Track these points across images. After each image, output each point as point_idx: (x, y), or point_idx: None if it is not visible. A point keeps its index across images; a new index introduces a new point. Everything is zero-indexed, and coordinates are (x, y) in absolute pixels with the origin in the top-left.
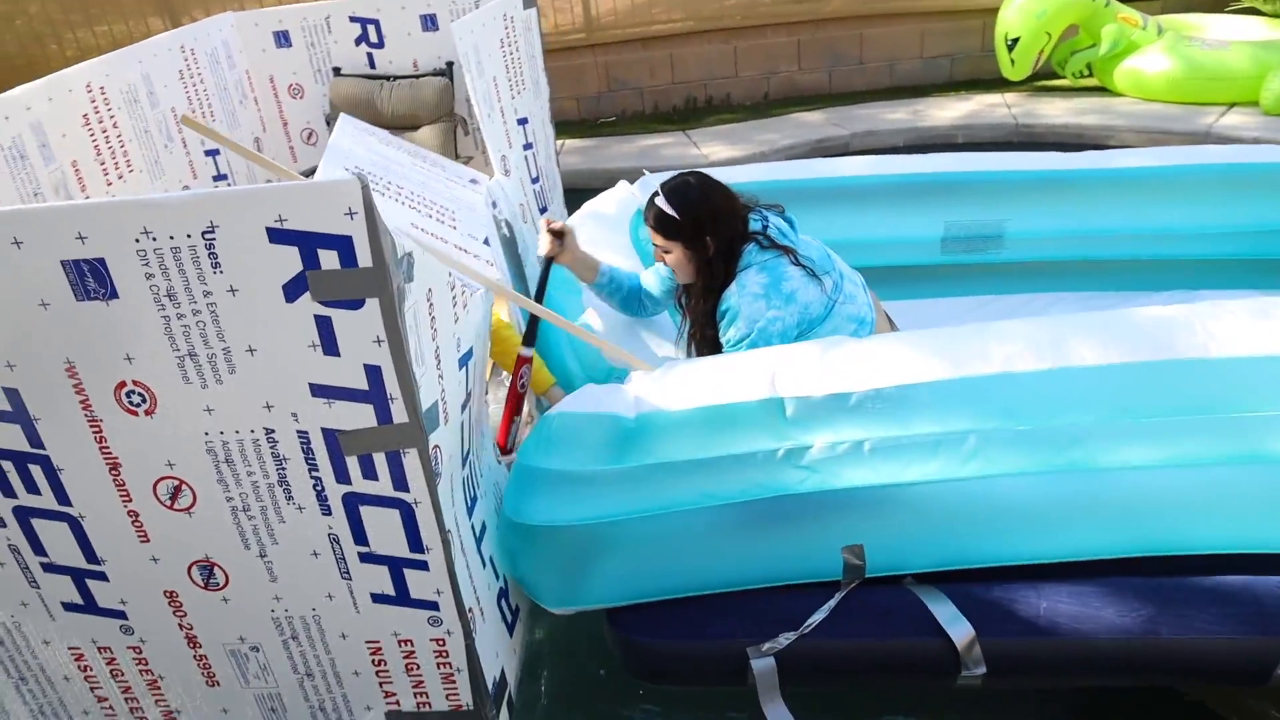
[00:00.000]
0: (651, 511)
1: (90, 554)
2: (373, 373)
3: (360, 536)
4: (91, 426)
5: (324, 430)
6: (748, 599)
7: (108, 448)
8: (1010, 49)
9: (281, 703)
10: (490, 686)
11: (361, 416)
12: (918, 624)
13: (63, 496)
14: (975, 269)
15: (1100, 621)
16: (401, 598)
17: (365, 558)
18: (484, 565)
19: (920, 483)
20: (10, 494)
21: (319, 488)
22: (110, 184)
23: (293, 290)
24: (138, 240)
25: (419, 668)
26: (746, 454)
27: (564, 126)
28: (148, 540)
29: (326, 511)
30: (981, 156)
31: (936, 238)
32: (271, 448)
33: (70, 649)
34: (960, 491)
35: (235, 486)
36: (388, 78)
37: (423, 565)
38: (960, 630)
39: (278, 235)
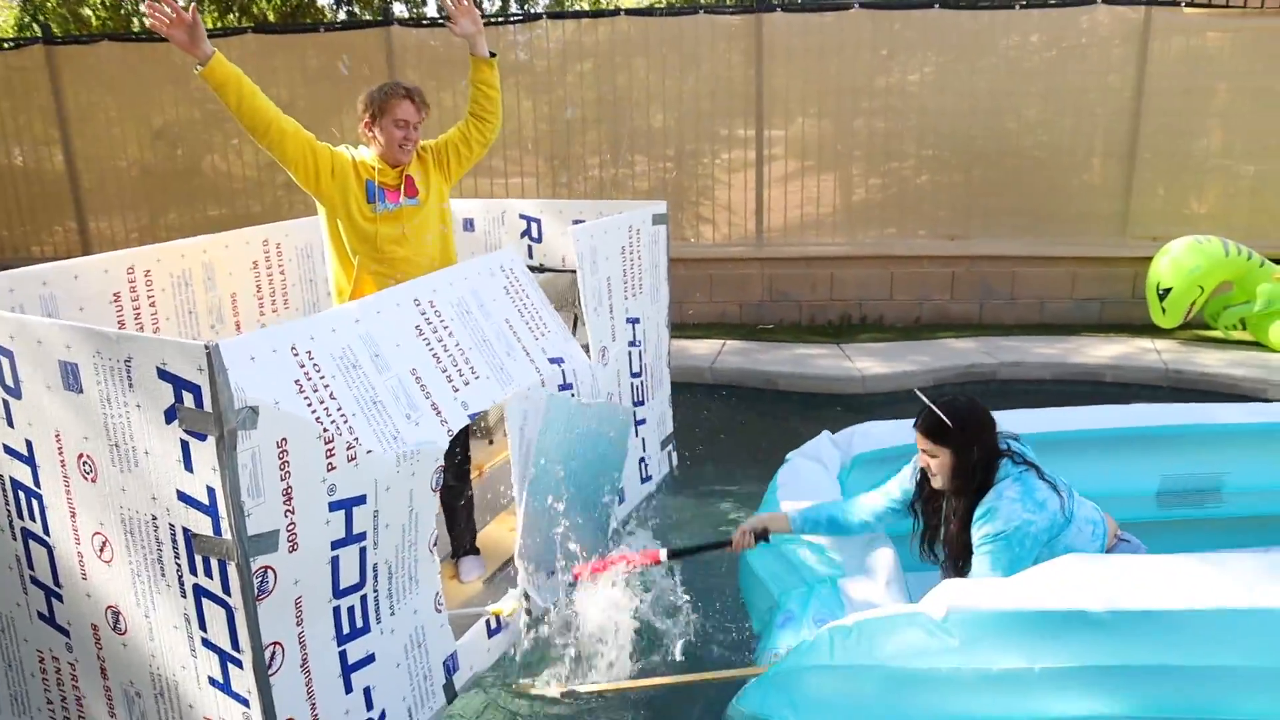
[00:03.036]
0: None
1: (55, 577)
2: (210, 492)
3: (201, 623)
4: (64, 480)
5: (184, 528)
6: None
7: (71, 498)
8: (1161, 298)
9: None
10: None
11: (205, 525)
12: None
13: (46, 527)
14: (1192, 523)
15: None
16: (226, 687)
17: (205, 643)
18: (345, 690)
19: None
20: (20, 515)
21: (179, 573)
22: (263, 315)
23: (169, 416)
24: (93, 356)
25: None
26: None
27: (726, 328)
28: (86, 578)
29: (183, 594)
30: (1195, 408)
31: (1152, 491)
32: (154, 531)
33: (36, 651)
34: None
35: (135, 552)
36: (539, 268)
37: (238, 663)
38: None
39: (162, 374)
